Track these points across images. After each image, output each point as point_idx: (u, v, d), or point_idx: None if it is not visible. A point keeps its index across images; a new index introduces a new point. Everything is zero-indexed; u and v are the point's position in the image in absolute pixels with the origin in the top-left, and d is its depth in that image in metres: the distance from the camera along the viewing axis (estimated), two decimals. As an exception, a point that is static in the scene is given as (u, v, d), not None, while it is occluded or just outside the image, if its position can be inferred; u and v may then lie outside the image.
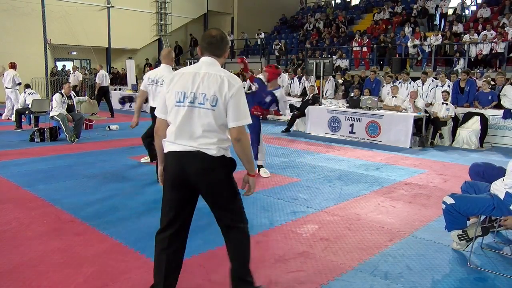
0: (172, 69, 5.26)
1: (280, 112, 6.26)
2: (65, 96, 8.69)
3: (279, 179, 5.99)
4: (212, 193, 2.49)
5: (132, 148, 7.95)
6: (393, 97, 10.16)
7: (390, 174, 6.48)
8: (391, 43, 16.27)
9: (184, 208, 2.54)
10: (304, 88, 12.94)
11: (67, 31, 18.48)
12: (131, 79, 17.47)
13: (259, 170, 6.12)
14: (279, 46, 19.92)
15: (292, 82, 13.69)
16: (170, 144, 2.47)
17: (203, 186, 2.46)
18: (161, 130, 2.54)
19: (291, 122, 11.04)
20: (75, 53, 20.75)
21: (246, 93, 6.55)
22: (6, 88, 12.11)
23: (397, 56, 15.65)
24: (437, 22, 17.89)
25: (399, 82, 11.21)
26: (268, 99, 5.94)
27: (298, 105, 11.51)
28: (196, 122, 2.41)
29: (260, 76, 6.29)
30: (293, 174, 6.32)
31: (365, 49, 17.21)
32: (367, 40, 17.19)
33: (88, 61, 21.23)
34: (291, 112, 11.24)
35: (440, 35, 15.17)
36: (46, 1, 18.05)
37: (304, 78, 13.25)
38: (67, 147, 8.00)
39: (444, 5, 17.75)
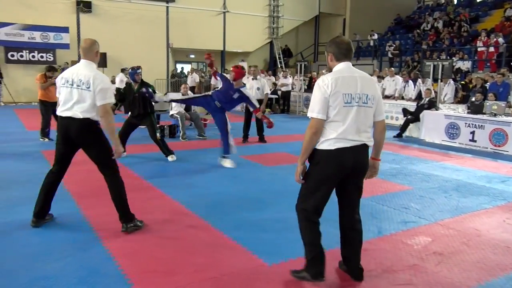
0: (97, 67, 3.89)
1: (254, 107, 6.53)
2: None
3: (388, 186, 5.72)
4: (362, 176, 2.95)
5: (243, 147, 8.23)
6: (524, 102, 9.08)
7: (518, 188, 5.81)
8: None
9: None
10: (420, 92, 12.17)
11: (186, 35, 19.91)
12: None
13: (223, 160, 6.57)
14: (393, 47, 19.06)
15: (407, 85, 12.93)
16: (339, 141, 2.74)
17: (361, 173, 2.92)
18: (321, 130, 2.77)
19: (403, 127, 10.44)
20: (192, 56, 22.19)
21: (214, 90, 6.78)
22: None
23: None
24: None
25: (533, 86, 9.97)
26: (236, 96, 6.39)
27: (412, 109, 10.86)
28: (362, 119, 2.78)
29: (228, 75, 6.77)
30: (405, 181, 5.98)
31: (491, 49, 15.62)
32: (495, 39, 15.57)
33: (204, 64, 22.51)
34: (404, 117, 10.67)
35: None
36: (169, 9, 19.63)
37: (420, 81, 12.47)
38: (185, 144, 8.58)
39: None
